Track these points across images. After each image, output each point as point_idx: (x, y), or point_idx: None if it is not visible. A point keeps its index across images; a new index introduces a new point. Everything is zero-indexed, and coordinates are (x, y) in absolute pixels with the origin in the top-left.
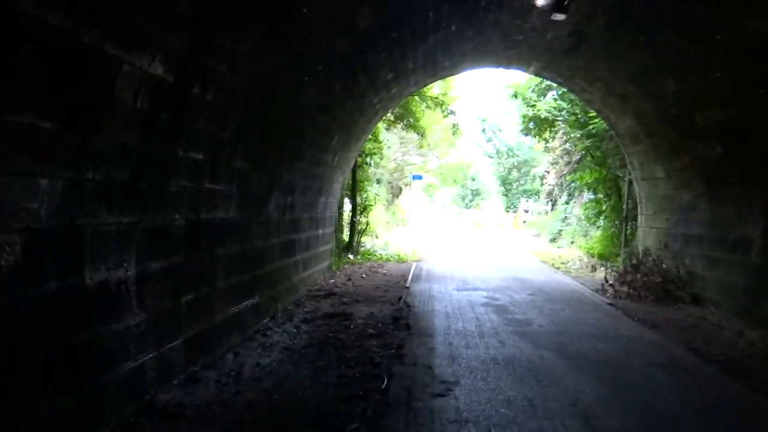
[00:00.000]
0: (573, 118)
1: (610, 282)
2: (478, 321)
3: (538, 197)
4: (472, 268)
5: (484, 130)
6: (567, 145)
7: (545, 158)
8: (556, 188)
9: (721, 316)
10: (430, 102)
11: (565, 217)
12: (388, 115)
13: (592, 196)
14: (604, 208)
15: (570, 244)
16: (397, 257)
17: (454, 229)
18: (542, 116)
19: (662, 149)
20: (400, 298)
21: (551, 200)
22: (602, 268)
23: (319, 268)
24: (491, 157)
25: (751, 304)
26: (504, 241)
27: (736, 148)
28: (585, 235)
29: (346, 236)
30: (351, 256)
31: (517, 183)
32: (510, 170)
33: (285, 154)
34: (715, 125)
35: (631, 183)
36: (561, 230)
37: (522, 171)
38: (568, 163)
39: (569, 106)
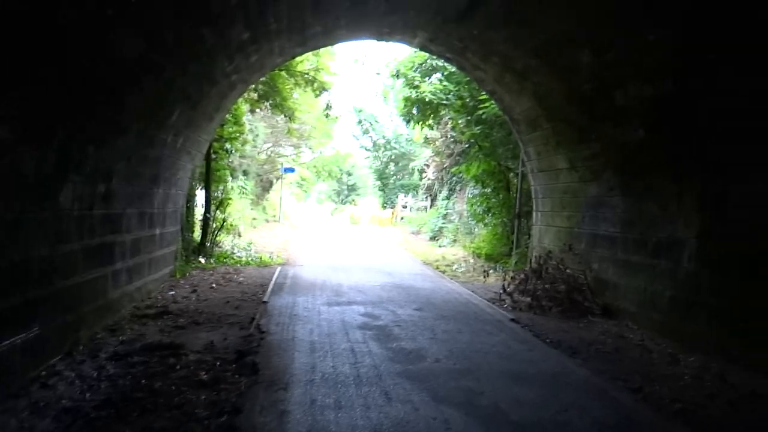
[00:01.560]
0: (460, 102)
1: (508, 290)
2: (353, 356)
3: (417, 192)
4: (347, 273)
5: (360, 122)
6: (450, 135)
7: (425, 152)
8: (436, 183)
9: (643, 333)
10: (299, 78)
11: (446, 213)
12: (252, 94)
13: (478, 191)
14: (492, 203)
15: (452, 243)
16: (259, 260)
17: (328, 226)
18: (426, 99)
19: (567, 135)
20: (253, 319)
21: (431, 195)
22: (492, 272)
23: (157, 277)
24: (368, 150)
25: (681, 320)
26: (382, 239)
27: (666, 130)
28: (469, 234)
29: (198, 236)
30: (202, 260)
31: (395, 177)
32: (387, 164)
33: (90, 123)
34: (640, 103)
35: (524, 175)
36: (442, 228)
37: (400, 165)
38: (450, 155)
39: (456, 88)
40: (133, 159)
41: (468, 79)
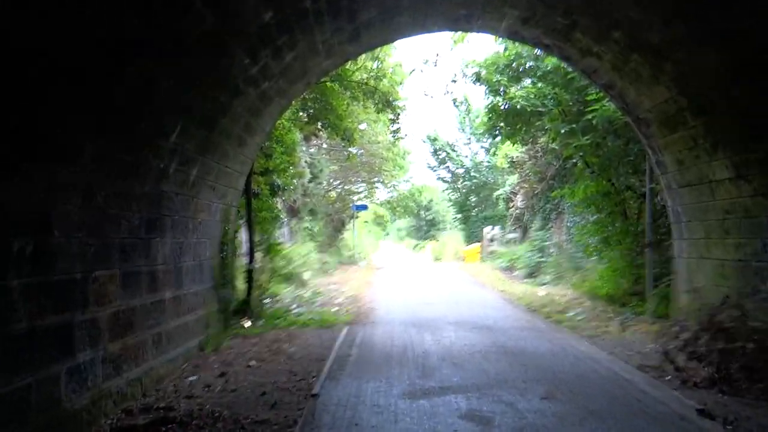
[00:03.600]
0: (560, 107)
1: (669, 354)
2: None
3: (504, 224)
4: (433, 332)
5: (435, 151)
6: (541, 155)
7: (510, 178)
8: (526, 212)
9: None
10: (356, 90)
11: (542, 246)
12: (301, 115)
13: (583, 218)
14: (609, 231)
15: (556, 281)
16: (320, 319)
17: (409, 265)
18: (517, 107)
19: (730, 132)
20: None
21: (521, 226)
22: (619, 318)
23: (172, 356)
24: (445, 182)
25: None
26: (471, 280)
27: None
28: (576, 269)
29: (243, 292)
30: (247, 324)
31: (477, 209)
32: (468, 195)
33: None
34: None
35: (654, 194)
36: (539, 263)
37: (481, 195)
38: (542, 179)
39: (554, 90)
40: (97, 197)
41: (570, 77)
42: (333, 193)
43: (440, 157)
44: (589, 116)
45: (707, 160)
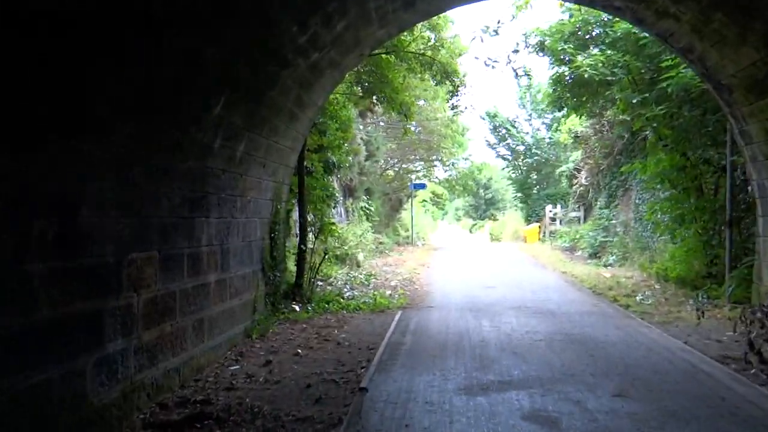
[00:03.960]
0: (631, 76)
1: (756, 344)
2: None
3: (566, 202)
4: (492, 317)
5: (495, 128)
6: (607, 129)
7: (572, 155)
8: (590, 189)
9: None
10: (413, 62)
11: (607, 225)
12: (356, 89)
13: (652, 195)
14: (684, 208)
15: (621, 262)
16: (374, 302)
17: (467, 246)
18: (585, 76)
19: None
20: None
21: (584, 205)
22: (692, 303)
23: (216, 344)
24: (505, 159)
25: None
26: (531, 261)
27: None
28: (644, 249)
29: (293, 274)
30: (297, 307)
31: (538, 187)
32: (528, 173)
33: None
34: None
35: (735, 168)
36: (604, 243)
37: (543, 173)
38: (608, 154)
39: (625, 58)
40: (134, 174)
41: (642, 43)
42: (390, 172)
43: (500, 134)
44: (664, 84)
45: None
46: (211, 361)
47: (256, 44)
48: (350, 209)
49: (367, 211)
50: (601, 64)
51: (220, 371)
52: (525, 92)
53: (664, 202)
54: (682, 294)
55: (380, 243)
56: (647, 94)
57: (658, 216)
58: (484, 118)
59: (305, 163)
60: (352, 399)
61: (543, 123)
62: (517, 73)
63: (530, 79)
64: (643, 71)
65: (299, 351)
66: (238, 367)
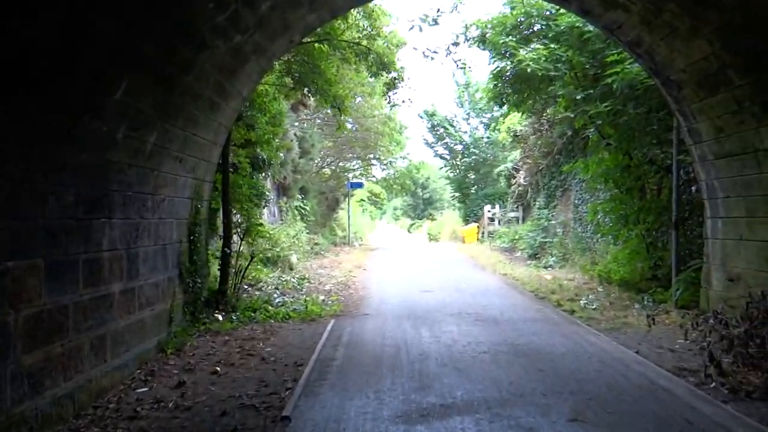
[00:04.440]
0: (573, 72)
1: (716, 357)
2: None
3: (504, 202)
4: (432, 326)
5: (433, 127)
6: (547, 128)
7: (512, 154)
8: (529, 189)
9: None
10: (347, 51)
11: (545, 225)
12: (287, 80)
13: (596, 194)
14: (627, 209)
15: (562, 264)
16: (304, 310)
17: (405, 247)
18: (528, 71)
19: None
20: None
21: (522, 204)
22: (637, 307)
23: (122, 362)
24: (443, 159)
25: None
26: (471, 262)
27: None
28: (584, 251)
29: (217, 279)
30: (220, 317)
31: (477, 187)
32: (466, 172)
33: None
34: None
35: (681, 167)
36: (543, 243)
37: (481, 172)
38: (547, 153)
39: (569, 52)
40: (8, 167)
41: (586, 37)
42: (327, 170)
43: (438, 132)
44: (609, 80)
45: (754, 125)
46: (115, 383)
47: (164, 20)
48: (284, 209)
49: (302, 211)
50: (543, 59)
51: (125, 395)
52: (463, 91)
53: (607, 203)
54: (626, 297)
55: (315, 244)
56: (591, 91)
57: (600, 217)
58: (422, 117)
59: (230, 159)
60: (272, 430)
61: (481, 122)
62: (457, 65)
63: (470, 71)
64: (587, 67)
65: (218, 369)
66: (146, 389)
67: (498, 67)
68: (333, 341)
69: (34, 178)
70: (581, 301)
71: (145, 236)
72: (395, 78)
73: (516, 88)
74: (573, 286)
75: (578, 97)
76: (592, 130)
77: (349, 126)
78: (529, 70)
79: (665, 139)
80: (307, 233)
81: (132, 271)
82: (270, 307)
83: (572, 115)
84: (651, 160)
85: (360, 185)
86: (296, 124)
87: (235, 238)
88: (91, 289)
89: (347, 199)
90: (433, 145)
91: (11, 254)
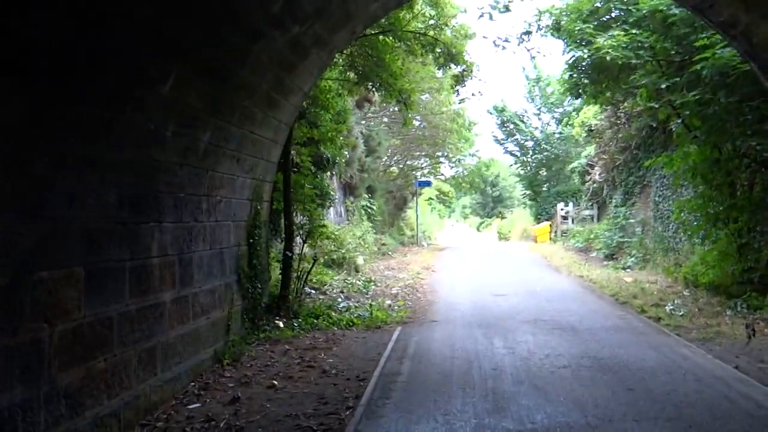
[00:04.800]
0: (655, 60)
1: None
2: None
3: (578, 200)
4: (505, 336)
5: (503, 123)
6: (624, 121)
7: (586, 149)
8: (604, 186)
9: None
10: (413, 42)
11: (623, 224)
12: (351, 75)
13: (679, 191)
14: (717, 208)
15: (642, 266)
16: (369, 316)
17: (474, 247)
18: (608, 59)
19: None
20: None
21: (597, 202)
22: (729, 314)
23: (175, 375)
24: (513, 155)
25: None
26: (544, 263)
27: None
28: (666, 251)
29: (278, 283)
30: (281, 324)
31: (548, 184)
32: (537, 169)
33: None
34: None
35: None
36: (621, 243)
37: (553, 169)
38: (625, 148)
39: (652, 38)
40: (32, 161)
41: (671, 21)
42: (394, 169)
43: (508, 129)
44: (697, 67)
45: None
46: (166, 398)
47: (210, 6)
48: (351, 209)
49: (369, 211)
50: (623, 46)
51: (176, 411)
52: (534, 85)
53: (694, 200)
54: (716, 303)
55: (383, 244)
56: (677, 79)
57: (685, 215)
58: (491, 113)
59: (292, 158)
60: None
61: (553, 117)
62: (530, 54)
63: (541, 63)
64: (672, 53)
65: (275, 382)
66: (198, 405)
67: (574, 56)
68: (398, 352)
69: (67, 176)
70: (667, 307)
71: (200, 240)
72: (464, 70)
73: (593, 78)
74: (656, 289)
75: (663, 86)
76: (677, 122)
77: (416, 123)
78: (608, 58)
79: (760, 130)
80: (374, 233)
81: (185, 278)
82: (333, 314)
83: (656, 106)
84: (744, 153)
85: (428, 183)
86: (363, 122)
87: (297, 240)
88: (138, 298)
89: (415, 198)
90: (502, 141)
91: (43, 262)
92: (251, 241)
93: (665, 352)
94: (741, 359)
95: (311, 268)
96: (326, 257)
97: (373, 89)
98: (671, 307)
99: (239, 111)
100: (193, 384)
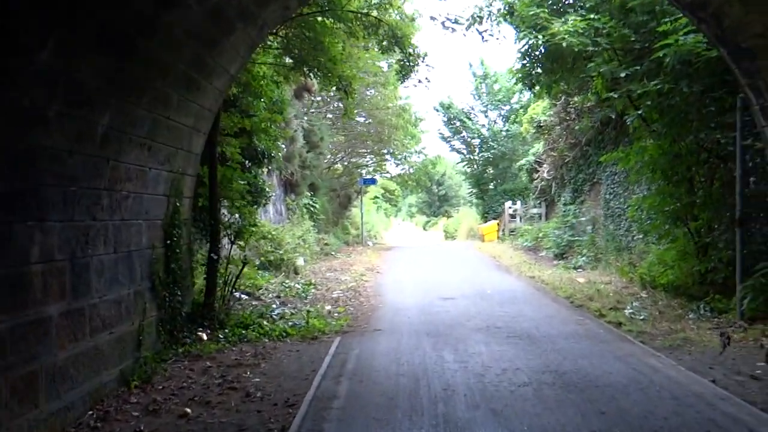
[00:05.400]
0: (613, 47)
1: None
2: None
3: (525, 198)
4: (456, 346)
5: (449, 120)
6: (574, 116)
7: (535, 146)
8: (553, 183)
9: None
10: (354, 23)
11: (573, 223)
12: (285, 60)
13: (630, 188)
14: (675, 205)
15: (594, 265)
16: (305, 325)
17: (421, 246)
18: (563, 45)
19: None
20: None
21: (546, 200)
22: (692, 317)
23: (63, 405)
24: (460, 154)
25: None
26: (493, 263)
27: None
28: (619, 251)
29: (204, 289)
30: (204, 335)
31: (495, 182)
32: (484, 167)
33: None
34: None
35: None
36: (571, 242)
37: (500, 167)
38: (575, 145)
39: (610, 23)
40: None
41: (630, 7)
42: (338, 166)
43: (454, 126)
44: (660, 54)
45: None
46: None
47: None
48: (292, 207)
49: (311, 209)
50: (580, 32)
51: None
52: (480, 82)
53: (651, 197)
54: (677, 305)
55: (325, 244)
56: (638, 67)
57: (642, 213)
58: (437, 110)
59: (222, 150)
60: None
61: (500, 115)
62: (482, 36)
63: (485, 69)
64: (632, 39)
65: (188, 410)
66: None
67: (527, 43)
68: (336, 369)
69: None
70: (626, 310)
71: (100, 242)
72: (410, 55)
73: (547, 67)
74: (612, 290)
75: (621, 75)
76: (634, 114)
77: (361, 119)
78: (564, 45)
79: (723, 123)
80: (317, 233)
81: (80, 287)
82: (265, 322)
83: (615, 96)
84: (705, 147)
85: (373, 181)
86: (304, 117)
87: (224, 241)
88: (10, 314)
89: (360, 197)
90: (449, 139)
91: None
92: (169, 242)
93: (632, 363)
94: (716, 371)
95: (240, 272)
96: (263, 259)
97: (311, 75)
98: (630, 311)
99: (149, 92)
100: (91, 413)
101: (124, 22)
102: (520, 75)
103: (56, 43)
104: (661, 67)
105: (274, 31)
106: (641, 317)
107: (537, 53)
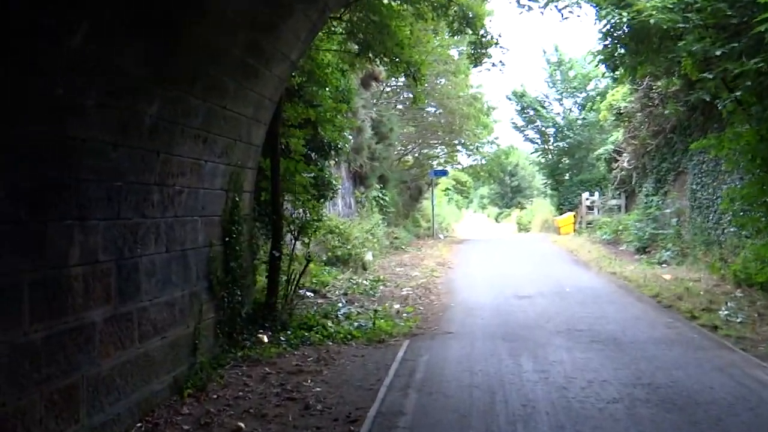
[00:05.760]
0: (705, 23)
1: None
2: None
3: (603, 189)
4: (535, 356)
5: (523, 109)
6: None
7: (613, 135)
8: (634, 173)
9: None
10: (423, 4)
11: (656, 215)
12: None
13: (721, 178)
14: None
15: (680, 260)
16: (372, 327)
17: (493, 239)
18: (651, 22)
19: None
20: None
21: (626, 191)
22: None
23: (114, 415)
24: (534, 143)
25: None
26: (570, 257)
27: None
28: (708, 245)
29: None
30: (265, 337)
31: (571, 173)
32: (559, 157)
33: None
34: None
35: None
36: (654, 235)
37: (576, 157)
38: (658, 132)
39: None
40: None
41: None
42: (409, 158)
43: (528, 115)
44: (761, 29)
45: None
46: None
47: None
48: (361, 200)
49: (381, 202)
50: (669, 8)
51: None
52: (555, 69)
53: (749, 187)
54: None
55: (395, 238)
56: (734, 45)
57: (738, 205)
58: (510, 99)
59: (282, 141)
60: None
61: (575, 103)
62: (562, 14)
63: (560, 56)
64: (728, 14)
65: (242, 425)
66: None
67: (610, 22)
68: (403, 379)
69: None
70: (721, 312)
71: (151, 241)
72: (483, 36)
73: (632, 48)
74: (702, 289)
75: (717, 54)
76: (728, 97)
77: (431, 109)
78: (651, 21)
79: None
80: (386, 226)
81: (127, 290)
82: (330, 323)
83: (710, 76)
84: None
85: (444, 173)
86: (373, 108)
87: (287, 237)
88: (45, 323)
89: (431, 189)
90: (522, 128)
91: None
92: (227, 239)
93: (736, 375)
94: None
95: (303, 269)
96: (329, 254)
97: (377, 61)
98: (726, 312)
99: (202, 80)
100: (139, 425)
101: (167, 2)
102: (602, 57)
103: (91, 28)
104: (761, 44)
105: (338, 15)
106: (738, 320)
107: (620, 32)
